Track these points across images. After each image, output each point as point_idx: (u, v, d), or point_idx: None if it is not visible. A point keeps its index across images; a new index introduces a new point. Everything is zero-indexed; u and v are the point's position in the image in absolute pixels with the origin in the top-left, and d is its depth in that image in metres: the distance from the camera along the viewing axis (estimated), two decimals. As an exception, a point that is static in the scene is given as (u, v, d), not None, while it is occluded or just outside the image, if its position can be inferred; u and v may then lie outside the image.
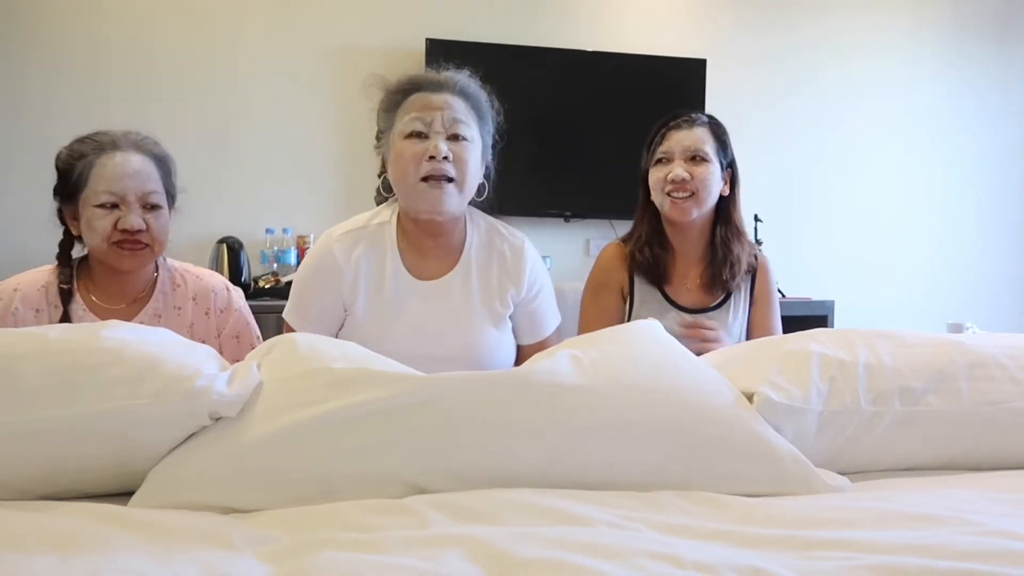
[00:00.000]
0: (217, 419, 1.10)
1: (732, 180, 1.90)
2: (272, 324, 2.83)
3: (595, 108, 3.62)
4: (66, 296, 1.58)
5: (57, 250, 1.64)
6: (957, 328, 2.91)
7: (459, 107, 1.51)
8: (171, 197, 1.64)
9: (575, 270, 3.71)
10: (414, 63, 3.38)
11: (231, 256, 3.15)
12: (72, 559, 0.84)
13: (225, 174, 3.37)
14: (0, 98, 3.21)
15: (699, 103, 3.66)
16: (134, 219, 1.53)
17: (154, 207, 1.57)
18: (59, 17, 3.25)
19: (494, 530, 0.91)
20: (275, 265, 3.29)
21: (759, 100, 3.94)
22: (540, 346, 1.62)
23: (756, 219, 3.57)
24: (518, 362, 1.63)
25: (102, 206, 1.53)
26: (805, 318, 3.35)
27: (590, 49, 3.64)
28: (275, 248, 3.32)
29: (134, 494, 1.07)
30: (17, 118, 3.21)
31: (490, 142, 1.60)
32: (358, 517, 0.97)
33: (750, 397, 1.22)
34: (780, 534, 0.92)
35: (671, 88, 3.68)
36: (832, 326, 3.41)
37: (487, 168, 1.60)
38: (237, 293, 1.76)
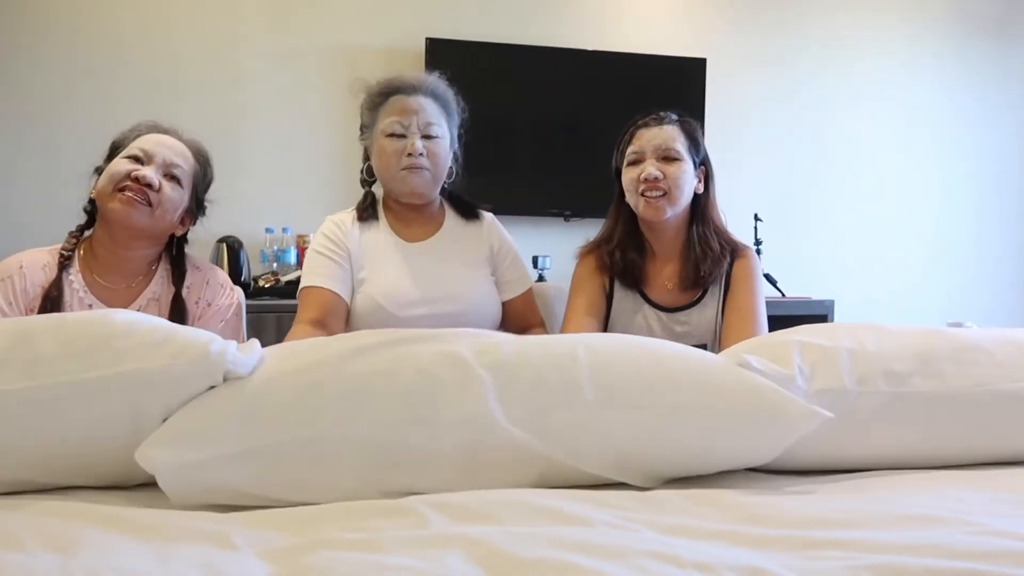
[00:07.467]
0: None
1: (706, 177, 1.89)
2: (272, 323, 2.83)
3: (595, 108, 3.62)
4: (65, 261, 1.64)
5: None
6: (957, 327, 2.91)
7: (431, 108, 1.78)
8: (197, 201, 1.73)
9: (575, 270, 3.72)
10: (414, 63, 3.39)
11: (231, 255, 3.15)
12: (72, 559, 0.84)
13: (225, 173, 3.33)
14: (4, 103, 3.21)
15: (699, 103, 3.66)
16: (149, 171, 1.61)
17: (174, 178, 1.65)
18: (60, 17, 3.25)
19: (494, 530, 0.91)
20: (275, 265, 3.29)
21: (759, 100, 3.95)
22: (524, 299, 1.91)
23: (756, 219, 3.57)
24: (506, 317, 1.89)
25: (128, 158, 1.63)
26: (805, 317, 3.35)
27: (590, 48, 3.64)
28: (275, 247, 3.32)
29: (140, 479, 1.08)
30: (19, 121, 3.21)
31: (456, 134, 1.87)
32: (358, 517, 0.97)
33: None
34: (780, 534, 0.92)
35: (671, 88, 3.68)
36: (832, 326, 3.41)
37: (455, 155, 1.88)
38: (233, 294, 1.77)
